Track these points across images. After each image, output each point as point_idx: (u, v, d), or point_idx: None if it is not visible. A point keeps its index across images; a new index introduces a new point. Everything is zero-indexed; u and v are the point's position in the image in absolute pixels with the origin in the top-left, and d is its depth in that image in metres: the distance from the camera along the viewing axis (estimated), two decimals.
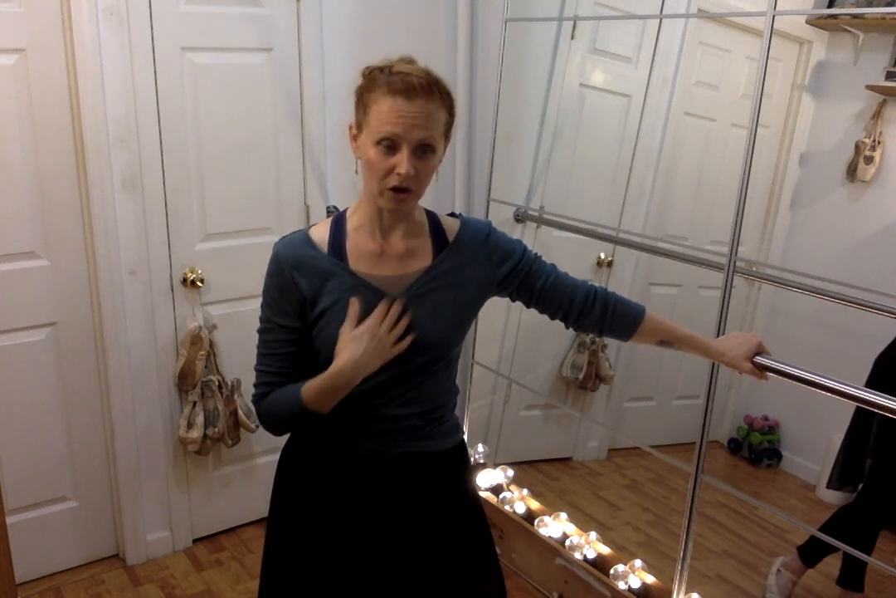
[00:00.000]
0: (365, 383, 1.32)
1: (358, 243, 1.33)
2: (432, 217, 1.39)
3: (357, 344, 1.26)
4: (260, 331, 1.37)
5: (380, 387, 1.33)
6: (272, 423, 1.37)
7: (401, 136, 1.20)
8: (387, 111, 1.20)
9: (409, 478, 1.40)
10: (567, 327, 1.48)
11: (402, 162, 1.21)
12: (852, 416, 2.12)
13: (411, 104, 1.20)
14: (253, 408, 1.35)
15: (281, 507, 1.46)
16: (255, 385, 1.38)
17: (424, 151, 1.23)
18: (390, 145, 1.21)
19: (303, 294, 1.31)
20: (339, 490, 1.40)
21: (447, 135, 1.29)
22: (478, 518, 1.51)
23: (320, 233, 1.34)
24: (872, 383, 1.94)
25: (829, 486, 2.32)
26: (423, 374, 1.36)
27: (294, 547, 1.43)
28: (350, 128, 1.30)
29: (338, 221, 1.36)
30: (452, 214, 1.43)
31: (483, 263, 1.38)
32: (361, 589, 1.40)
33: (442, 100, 1.24)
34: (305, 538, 1.42)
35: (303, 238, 1.34)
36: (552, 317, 1.47)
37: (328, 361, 1.30)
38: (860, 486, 2.18)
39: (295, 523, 1.43)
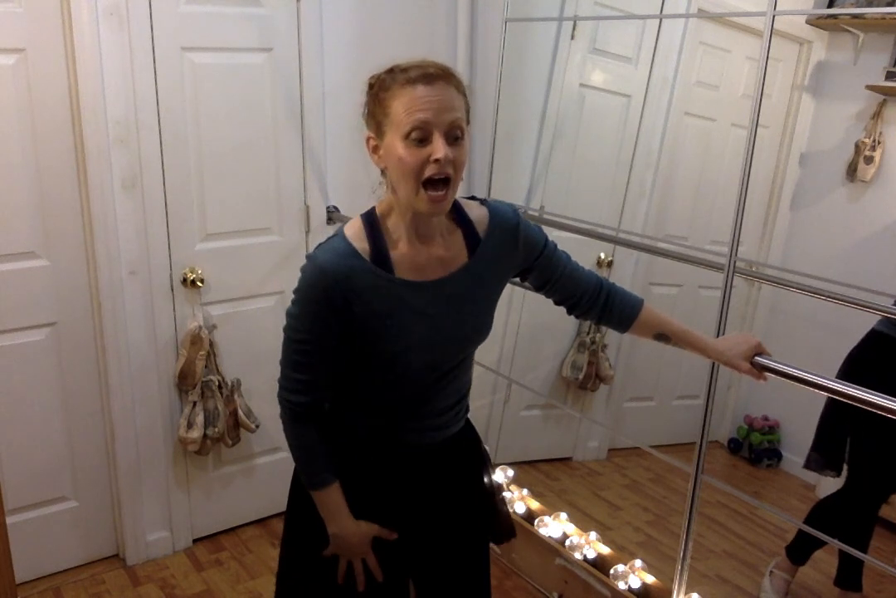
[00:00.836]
0: (412, 387, 1.36)
1: (402, 253, 1.29)
2: (456, 206, 1.34)
3: (349, 545, 1.39)
4: (291, 339, 1.31)
5: (425, 387, 1.37)
6: (289, 443, 1.40)
7: (431, 121, 1.16)
8: (410, 100, 1.17)
9: (445, 460, 1.46)
10: (569, 314, 1.52)
11: (438, 147, 1.16)
12: (825, 402, 2.12)
13: (433, 88, 1.17)
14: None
15: (305, 500, 1.45)
16: (287, 390, 1.35)
17: (456, 137, 1.19)
18: (420, 137, 1.17)
19: (353, 309, 1.26)
20: (391, 488, 1.43)
21: (467, 123, 1.26)
22: (488, 472, 1.59)
23: (360, 241, 1.27)
24: (845, 374, 1.96)
25: (805, 466, 2.31)
26: (459, 367, 1.40)
27: (318, 539, 1.43)
28: (368, 140, 1.26)
29: (373, 227, 1.29)
30: (474, 198, 1.40)
31: (512, 255, 1.39)
32: (391, 560, 1.44)
33: (457, 86, 1.22)
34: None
35: (346, 248, 1.26)
36: (557, 303, 1.51)
37: (384, 367, 1.33)
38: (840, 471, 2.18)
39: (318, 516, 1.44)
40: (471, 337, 1.38)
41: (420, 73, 1.18)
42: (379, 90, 1.22)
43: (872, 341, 2.01)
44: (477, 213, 1.36)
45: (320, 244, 1.30)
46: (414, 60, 1.22)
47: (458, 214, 1.34)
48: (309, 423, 1.37)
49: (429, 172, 1.18)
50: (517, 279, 1.49)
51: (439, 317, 1.32)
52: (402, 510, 1.44)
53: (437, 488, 1.47)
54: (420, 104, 1.16)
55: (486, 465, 1.59)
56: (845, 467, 2.15)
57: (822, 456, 2.19)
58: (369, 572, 1.43)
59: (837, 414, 2.11)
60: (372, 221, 1.29)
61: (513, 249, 1.38)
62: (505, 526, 1.63)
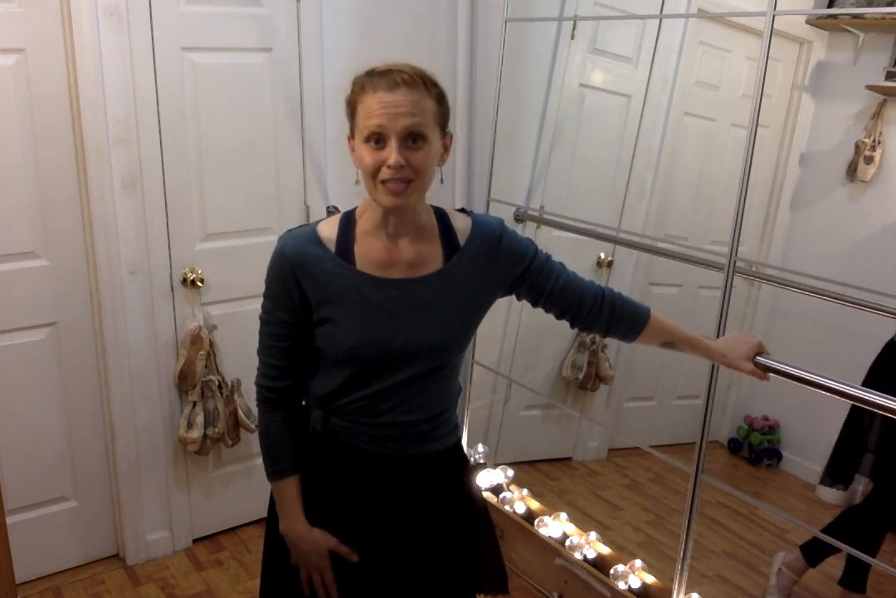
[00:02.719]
0: (369, 388, 1.33)
1: (366, 248, 1.31)
2: (442, 218, 1.36)
3: (300, 551, 1.38)
4: (262, 321, 1.36)
5: (384, 392, 1.33)
6: (259, 435, 1.43)
7: (386, 126, 1.20)
8: (371, 106, 1.21)
9: (413, 478, 1.41)
10: (572, 327, 1.48)
11: (391, 153, 1.20)
12: (847, 414, 2.12)
13: (394, 95, 1.20)
14: (253, 408, 1.35)
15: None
16: (260, 375, 1.39)
17: (415, 141, 1.22)
18: (378, 139, 1.21)
19: (305, 294, 1.30)
20: (345, 491, 1.40)
21: (442, 126, 1.27)
22: (478, 512, 1.52)
23: (328, 231, 1.32)
24: (867, 385, 1.95)
25: (822, 482, 2.33)
26: (428, 379, 1.35)
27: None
28: (348, 140, 1.30)
29: (347, 221, 1.33)
30: (463, 210, 1.41)
31: (493, 267, 1.36)
32: (364, 588, 1.41)
33: (427, 89, 1.23)
34: None
35: (310, 235, 1.31)
36: (559, 317, 1.46)
37: (338, 361, 1.32)
38: (855, 482, 2.19)
39: None
40: (433, 345, 1.32)
41: (385, 79, 1.21)
42: (353, 94, 1.26)
43: (891, 352, 2.01)
44: (461, 223, 1.37)
45: (290, 230, 1.35)
46: (390, 63, 1.24)
47: (442, 223, 1.36)
48: (277, 410, 1.39)
49: (383, 175, 1.22)
50: (512, 296, 1.46)
51: (400, 316, 1.30)
52: (367, 526, 1.40)
53: (407, 511, 1.40)
54: (377, 110, 1.21)
55: (474, 497, 1.51)
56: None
57: (838, 473, 2.20)
58: (346, 580, 1.40)
59: (854, 431, 2.11)
60: (348, 217, 1.34)
61: (494, 259, 1.36)
62: (495, 575, 1.54)
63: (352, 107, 1.26)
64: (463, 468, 1.51)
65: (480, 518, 1.52)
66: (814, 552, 2.19)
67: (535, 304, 1.45)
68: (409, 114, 1.20)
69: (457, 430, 1.48)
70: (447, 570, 1.45)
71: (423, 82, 1.23)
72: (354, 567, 1.39)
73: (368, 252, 1.31)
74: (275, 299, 1.33)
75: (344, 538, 1.39)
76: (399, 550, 1.41)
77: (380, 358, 1.31)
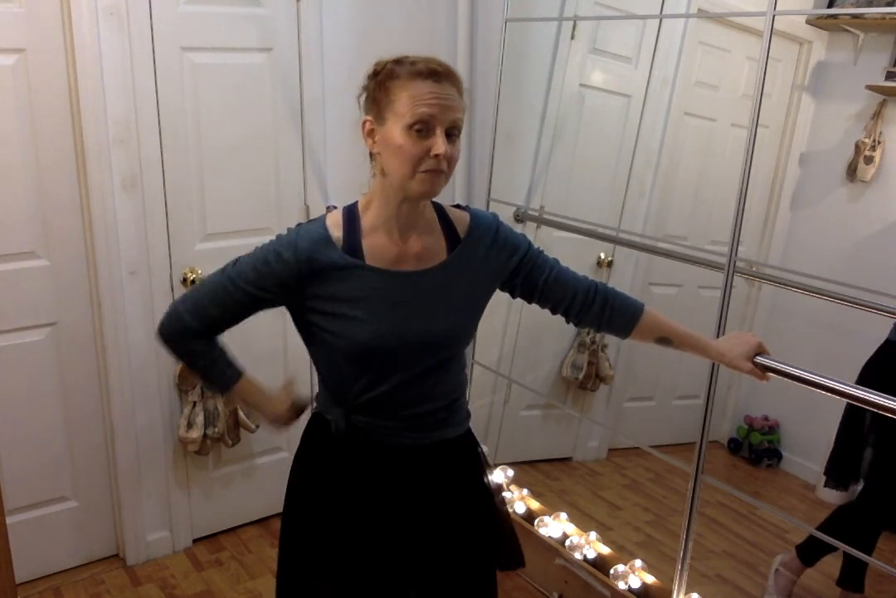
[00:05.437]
0: (388, 383, 1.34)
1: (375, 243, 1.32)
2: (440, 210, 1.39)
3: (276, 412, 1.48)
4: (225, 278, 1.35)
5: (403, 387, 1.35)
6: (187, 363, 1.50)
7: (436, 117, 1.21)
8: (419, 94, 1.21)
9: (432, 464, 1.43)
10: (568, 322, 1.50)
11: (439, 143, 1.21)
12: (843, 414, 2.12)
13: (441, 86, 1.22)
14: None
15: (299, 502, 1.47)
16: (187, 312, 1.38)
17: (452, 134, 1.24)
18: (423, 128, 1.21)
19: (305, 290, 1.30)
20: (363, 482, 1.41)
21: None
22: (491, 491, 1.55)
23: (336, 230, 1.32)
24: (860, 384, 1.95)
25: (826, 485, 2.32)
26: (442, 369, 1.38)
27: (313, 541, 1.44)
28: (364, 123, 1.29)
29: (351, 217, 1.34)
30: (458, 206, 1.43)
31: (493, 258, 1.40)
32: (382, 578, 1.43)
33: (459, 87, 1.27)
34: (325, 532, 1.43)
35: (323, 235, 1.30)
36: (553, 311, 1.48)
37: (354, 357, 1.33)
38: (858, 484, 2.18)
39: (314, 518, 1.44)
40: (446, 334, 1.36)
41: (429, 69, 1.22)
42: (386, 78, 1.25)
43: (887, 351, 2.01)
44: (459, 216, 1.40)
45: (304, 224, 1.35)
46: (422, 56, 1.25)
47: (440, 216, 1.38)
48: (199, 338, 1.42)
49: (426, 165, 1.23)
50: (507, 294, 1.48)
51: (412, 308, 1.32)
52: (392, 518, 1.41)
53: (428, 497, 1.44)
54: (427, 99, 1.21)
55: (488, 481, 1.55)
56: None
57: (836, 473, 2.20)
58: (370, 578, 1.41)
59: (852, 431, 2.11)
60: (351, 212, 1.35)
61: (492, 249, 1.39)
62: (512, 550, 1.59)
63: (385, 90, 1.24)
64: (476, 451, 1.54)
65: (493, 497, 1.55)
66: (809, 552, 2.19)
67: (530, 299, 1.47)
68: (455, 108, 1.24)
69: (469, 416, 1.52)
70: (467, 549, 1.48)
71: (457, 78, 1.26)
72: (379, 556, 1.41)
73: (377, 247, 1.32)
74: (257, 276, 1.31)
75: (367, 530, 1.40)
76: (420, 535, 1.43)
77: (396, 351, 1.32)
